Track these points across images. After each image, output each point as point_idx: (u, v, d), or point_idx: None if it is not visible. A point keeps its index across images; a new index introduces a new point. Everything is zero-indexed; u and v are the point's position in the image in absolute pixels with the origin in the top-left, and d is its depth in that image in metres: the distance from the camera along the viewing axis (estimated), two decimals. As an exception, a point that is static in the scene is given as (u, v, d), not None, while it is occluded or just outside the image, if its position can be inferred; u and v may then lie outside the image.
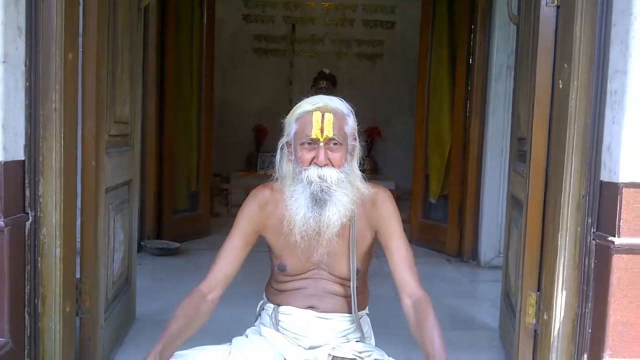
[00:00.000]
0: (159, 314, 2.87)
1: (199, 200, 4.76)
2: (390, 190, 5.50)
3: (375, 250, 1.71)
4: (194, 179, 4.73)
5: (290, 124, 1.62)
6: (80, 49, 1.88)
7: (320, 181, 1.56)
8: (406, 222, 4.89)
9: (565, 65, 1.76)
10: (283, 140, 1.66)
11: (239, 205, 5.97)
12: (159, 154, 4.27)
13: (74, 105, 1.82)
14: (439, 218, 4.60)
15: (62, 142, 1.74)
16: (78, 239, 1.96)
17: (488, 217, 4.11)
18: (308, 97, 1.66)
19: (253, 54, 7.26)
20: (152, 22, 4.00)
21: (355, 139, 1.65)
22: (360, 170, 1.66)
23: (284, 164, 1.68)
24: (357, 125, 1.66)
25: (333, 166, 1.57)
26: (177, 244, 4.23)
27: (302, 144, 1.58)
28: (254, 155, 6.98)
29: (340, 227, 1.61)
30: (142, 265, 3.68)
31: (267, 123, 7.08)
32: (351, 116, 1.64)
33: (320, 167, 1.56)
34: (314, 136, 1.56)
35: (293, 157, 1.63)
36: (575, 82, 1.72)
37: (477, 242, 4.20)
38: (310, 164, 1.58)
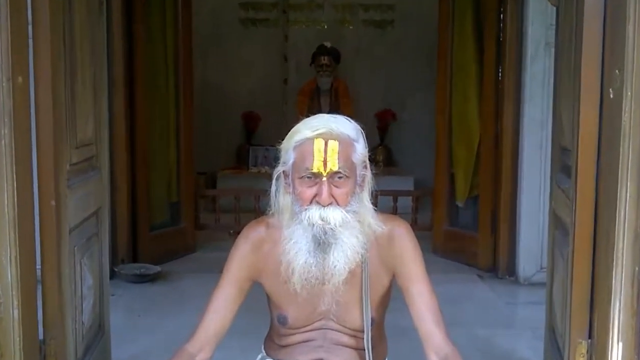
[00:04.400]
0: (138, 360, 2.90)
1: (180, 210, 4.79)
2: (409, 190, 5.47)
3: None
4: (174, 185, 4.76)
5: (288, 151, 1.63)
6: (32, 69, 1.87)
7: (323, 223, 1.56)
8: (428, 230, 4.93)
9: (617, 71, 1.73)
10: (279, 170, 1.66)
11: (228, 211, 5.89)
12: (131, 161, 4.28)
13: (26, 138, 1.81)
14: (468, 225, 4.62)
15: (15, 184, 1.73)
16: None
17: (527, 223, 4.11)
18: (307, 118, 1.66)
19: (239, 25, 7.22)
20: (115, 4, 3.98)
21: (365, 166, 1.66)
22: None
23: (280, 196, 1.68)
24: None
25: (338, 204, 1.57)
26: (158, 268, 4.25)
27: (302, 177, 1.59)
28: (244, 149, 6.99)
29: (350, 272, 1.62)
30: (116, 297, 3.70)
31: (258, 109, 7.07)
32: (360, 140, 1.64)
33: (323, 206, 1.56)
34: (315, 170, 1.56)
35: (291, 190, 1.63)
36: (629, 92, 1.69)
37: (514, 254, 4.21)
38: (311, 202, 1.58)
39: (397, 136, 7.21)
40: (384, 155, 6.94)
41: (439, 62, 4.83)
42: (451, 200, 4.78)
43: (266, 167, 6.40)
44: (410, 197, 5.49)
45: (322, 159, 1.55)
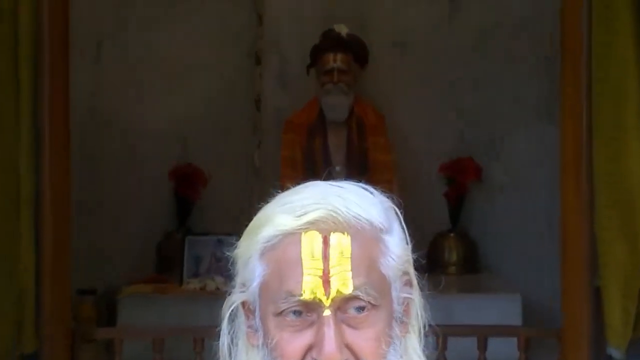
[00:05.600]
0: None
1: (42, 371, 4.80)
2: (512, 326, 5.52)
3: None
4: (29, 320, 4.79)
5: (249, 260, 1.64)
6: None
7: None
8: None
9: None
10: (235, 300, 1.69)
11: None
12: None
13: None
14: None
15: None
16: None
17: None
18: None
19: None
20: None
21: (408, 281, 1.67)
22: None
23: (240, 353, 1.72)
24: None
25: None
26: None
27: (281, 314, 1.59)
28: (173, 241, 7.07)
29: None
30: None
31: (203, 159, 7.23)
32: (394, 229, 1.66)
33: None
34: (307, 296, 1.56)
35: (261, 339, 1.65)
36: None
37: None
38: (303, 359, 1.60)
39: (484, 212, 7.35)
40: (459, 252, 7.03)
41: (563, 67, 4.90)
42: (599, 345, 4.78)
43: (217, 279, 6.42)
44: (516, 339, 5.45)
45: (321, 273, 1.56)
